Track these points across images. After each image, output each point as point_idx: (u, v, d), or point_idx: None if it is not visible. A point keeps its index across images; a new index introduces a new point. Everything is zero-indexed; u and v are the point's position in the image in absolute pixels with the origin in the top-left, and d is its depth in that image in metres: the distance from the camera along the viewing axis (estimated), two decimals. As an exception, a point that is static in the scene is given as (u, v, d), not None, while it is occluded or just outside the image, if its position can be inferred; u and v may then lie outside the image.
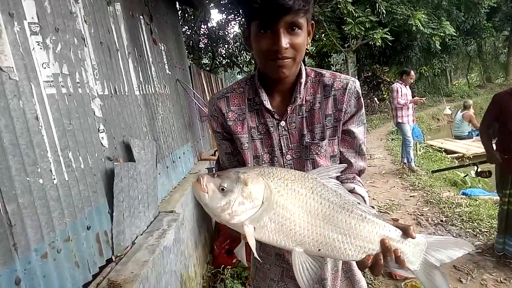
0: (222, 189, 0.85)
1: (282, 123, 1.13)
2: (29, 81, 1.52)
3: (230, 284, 2.85)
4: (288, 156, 1.15)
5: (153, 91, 3.30)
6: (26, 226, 1.38)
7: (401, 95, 6.28)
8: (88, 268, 1.72)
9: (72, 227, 1.65)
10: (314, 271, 0.88)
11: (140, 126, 2.77)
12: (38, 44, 1.63)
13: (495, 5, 18.43)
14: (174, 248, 2.43)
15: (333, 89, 1.14)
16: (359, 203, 0.93)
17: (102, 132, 2.10)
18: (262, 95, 1.13)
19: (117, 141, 2.28)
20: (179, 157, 3.80)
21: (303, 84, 1.14)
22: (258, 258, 0.86)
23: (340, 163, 1.21)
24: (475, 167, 3.47)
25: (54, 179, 1.58)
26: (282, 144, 1.14)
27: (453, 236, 3.81)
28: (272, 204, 0.86)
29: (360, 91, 1.17)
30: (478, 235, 3.83)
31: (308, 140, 1.13)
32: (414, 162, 6.71)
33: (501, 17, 22.38)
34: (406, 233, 0.90)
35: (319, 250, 0.88)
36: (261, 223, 0.86)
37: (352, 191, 1.14)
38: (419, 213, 4.65)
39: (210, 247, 3.73)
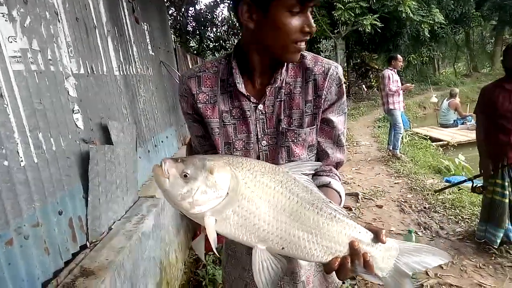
0: (185, 176, 0.77)
1: (260, 106, 1.04)
2: (-8, 56, 1.41)
3: (211, 270, 2.81)
4: (263, 141, 1.07)
5: (135, 72, 3.18)
6: (-12, 211, 1.29)
7: (393, 81, 6.25)
8: (60, 254, 1.65)
9: (42, 212, 1.57)
10: (275, 271, 0.81)
11: (120, 108, 2.67)
12: (3, 16, 1.51)
13: (484, -6, 18.48)
14: (154, 234, 2.37)
15: (313, 73, 1.05)
16: (330, 202, 0.87)
17: (76, 113, 2.00)
18: (236, 77, 1.03)
19: (94, 123, 2.18)
20: (162, 141, 3.71)
21: (285, 65, 1.05)
22: (216, 253, 0.79)
23: (317, 153, 1.14)
24: (471, 182, 3.42)
25: (22, 161, 1.49)
26: (258, 129, 1.06)
27: (435, 224, 3.84)
28: (238, 196, 0.79)
29: (342, 77, 1.09)
30: (459, 221, 3.87)
31: (284, 126, 1.05)
32: (400, 149, 6.74)
33: (489, 6, 22.45)
34: (377, 237, 0.84)
35: (282, 248, 0.82)
36: (223, 215, 0.79)
37: (327, 185, 1.08)
38: (402, 200, 4.68)
39: (192, 233, 3.68)
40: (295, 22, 0.92)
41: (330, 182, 1.08)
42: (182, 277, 2.93)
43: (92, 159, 1.97)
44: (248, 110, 1.05)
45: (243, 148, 1.07)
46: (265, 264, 0.81)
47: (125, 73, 2.93)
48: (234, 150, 1.07)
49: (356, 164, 6.56)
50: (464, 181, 3.72)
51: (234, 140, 1.07)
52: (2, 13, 1.51)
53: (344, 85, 1.10)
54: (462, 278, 2.87)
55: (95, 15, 2.50)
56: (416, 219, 4.05)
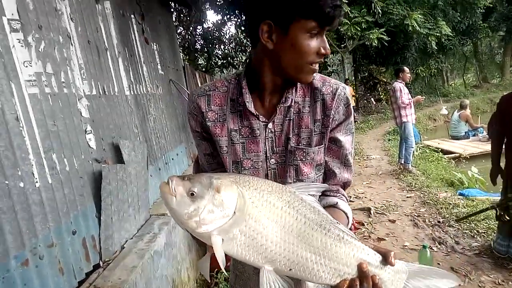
0: (192, 194, 0.77)
1: (270, 125, 1.05)
2: (8, 80, 1.45)
3: (224, 288, 2.78)
4: (272, 160, 1.07)
5: (145, 91, 3.24)
6: (4, 232, 1.31)
7: (404, 94, 6.22)
8: (74, 274, 1.66)
9: (56, 232, 1.58)
10: None
11: (131, 127, 2.71)
12: (19, 42, 1.57)
13: (491, 5, 18.47)
14: (166, 252, 2.36)
15: (322, 93, 1.07)
16: (338, 223, 0.87)
17: (89, 133, 2.04)
18: (246, 96, 1.04)
19: (106, 143, 2.22)
20: (172, 159, 3.74)
21: (296, 84, 1.07)
22: (225, 272, 0.78)
23: (324, 173, 1.14)
24: (495, 210, 3.29)
25: (37, 182, 1.52)
26: (267, 148, 1.07)
27: (450, 238, 3.77)
28: (245, 216, 0.78)
29: (350, 98, 1.11)
30: (475, 236, 3.78)
31: (293, 145, 1.06)
32: (411, 163, 6.67)
33: (496, 18, 22.43)
34: (386, 259, 0.84)
35: (290, 269, 0.81)
36: (230, 235, 0.79)
37: (335, 206, 1.07)
38: (416, 214, 4.60)
39: (204, 250, 3.65)
40: (313, 44, 0.94)
41: (337, 202, 1.07)
42: (194, 296, 2.91)
43: (105, 179, 2.00)
44: (258, 129, 1.05)
45: (251, 167, 1.07)
46: (273, 286, 0.80)
47: (136, 93, 2.99)
48: (242, 169, 1.07)
49: (367, 178, 6.50)
50: (488, 209, 3.51)
51: (242, 159, 1.07)
52: (18, 39, 1.57)
53: (351, 106, 1.11)
54: (480, 294, 2.79)
55: (106, 37, 2.57)
56: (431, 233, 3.97)
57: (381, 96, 17.65)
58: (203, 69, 14.08)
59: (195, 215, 0.77)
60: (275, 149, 1.07)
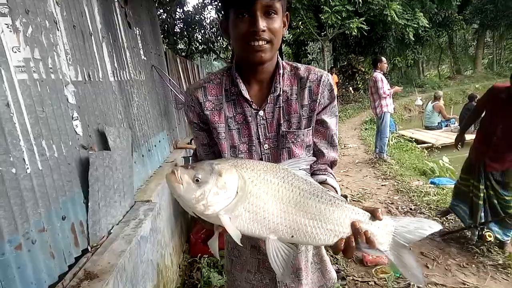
0: (197, 180, 0.85)
1: (261, 112, 1.16)
2: (-1, 66, 1.45)
3: (206, 273, 2.87)
4: (265, 145, 1.17)
5: (128, 78, 3.22)
6: (-2, 217, 1.33)
7: (385, 84, 6.27)
8: (64, 258, 1.69)
9: (47, 217, 1.61)
10: (288, 256, 0.90)
11: (115, 113, 2.71)
12: (8, 27, 1.55)
13: (466, -2, 18.97)
14: (151, 237, 2.42)
15: (308, 81, 1.18)
16: (328, 190, 0.97)
17: (76, 119, 2.04)
18: (240, 85, 1.15)
19: (92, 129, 2.22)
20: (155, 145, 3.75)
21: (281, 74, 1.17)
22: (240, 244, 0.87)
23: (313, 153, 1.25)
24: (476, 231, 3.36)
25: (28, 168, 1.53)
26: (260, 134, 1.16)
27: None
28: (246, 194, 0.87)
29: (333, 84, 1.22)
30: (444, 222, 4.01)
31: (284, 129, 1.16)
32: (386, 152, 6.88)
33: (471, 10, 23.07)
34: (374, 215, 0.94)
35: (292, 236, 0.91)
36: (235, 213, 0.87)
37: (324, 182, 1.17)
38: (389, 202, 4.81)
39: (186, 236, 3.73)
40: (242, 25, 1.03)
41: (326, 179, 1.18)
42: (177, 280, 2.98)
43: (92, 165, 2.02)
44: (250, 116, 1.16)
45: (247, 151, 1.18)
46: (279, 252, 0.89)
47: (120, 79, 2.97)
48: (239, 152, 1.17)
49: (344, 167, 6.69)
50: (469, 227, 3.44)
51: (238, 144, 1.17)
52: (6, 24, 1.55)
53: (334, 91, 1.23)
54: (446, 277, 2.99)
55: (90, 22, 2.54)
56: (403, 219, 4.17)
57: (359, 86, 17.94)
58: (183, 54, 13.87)
59: (202, 199, 0.84)
60: (267, 134, 1.17)
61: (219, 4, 14.11)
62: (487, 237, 3.23)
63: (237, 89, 1.15)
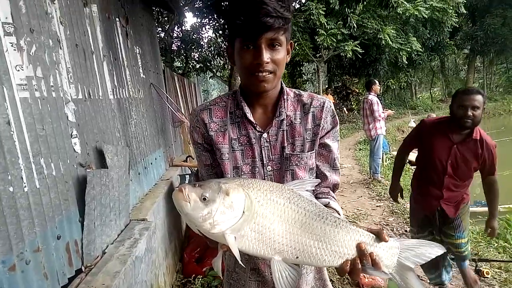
0: (204, 199, 0.85)
1: (265, 135, 1.18)
2: (1, 84, 1.45)
3: (200, 294, 2.82)
4: (268, 167, 1.19)
5: (127, 95, 3.23)
6: (-7, 237, 1.31)
7: (380, 107, 6.38)
8: (57, 279, 1.66)
9: (42, 237, 1.58)
10: (293, 278, 0.89)
11: (113, 131, 2.71)
12: (12, 46, 1.57)
13: (457, 25, 19.48)
14: (146, 257, 2.38)
15: (312, 106, 1.22)
16: (332, 212, 0.98)
17: (75, 137, 2.04)
18: (245, 108, 1.18)
19: (90, 147, 2.22)
20: (151, 163, 3.73)
21: (285, 100, 1.21)
22: (243, 265, 0.86)
23: (316, 177, 1.27)
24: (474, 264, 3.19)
25: (25, 186, 1.52)
26: (264, 155, 1.18)
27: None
28: (253, 214, 0.87)
29: (334, 110, 1.26)
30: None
31: (288, 152, 1.19)
32: (380, 173, 6.91)
33: (462, 36, 23.71)
34: (379, 237, 0.94)
35: (297, 257, 0.90)
36: (241, 233, 0.87)
37: (327, 205, 1.19)
38: (384, 223, 4.80)
39: (180, 255, 3.67)
40: (247, 56, 1.06)
41: (329, 202, 1.21)
42: (170, 301, 2.92)
43: (89, 183, 2.00)
44: (254, 138, 1.18)
45: (250, 172, 1.19)
46: (284, 274, 0.88)
47: (119, 97, 2.98)
48: (242, 173, 1.19)
49: (339, 187, 6.68)
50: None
51: (242, 165, 1.19)
52: (11, 43, 1.57)
53: (336, 116, 1.27)
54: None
55: (92, 40, 2.56)
56: (398, 242, 4.15)
57: (353, 106, 18.15)
58: (180, 72, 13.98)
59: (209, 218, 0.84)
60: (271, 157, 1.19)
61: (218, 25, 14.35)
62: (485, 273, 3.19)
63: (241, 112, 1.18)
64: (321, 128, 1.21)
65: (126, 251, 2.14)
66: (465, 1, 15.34)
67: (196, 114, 1.22)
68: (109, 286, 1.74)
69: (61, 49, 2.04)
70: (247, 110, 1.18)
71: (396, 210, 5.19)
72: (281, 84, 1.22)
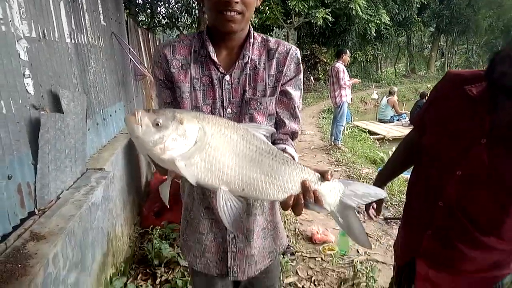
0: (157, 124, 0.85)
1: (227, 77, 1.18)
2: None
3: (158, 244, 2.86)
4: (228, 109, 1.20)
5: (86, 42, 3.07)
6: None
7: (346, 75, 6.50)
8: (8, 219, 1.62)
9: (-10, 175, 1.53)
10: (237, 208, 0.92)
11: (70, 77, 2.59)
12: (-45, -33, 1.43)
13: (425, 2, 19.81)
14: (103, 205, 2.37)
15: (277, 52, 1.22)
16: (283, 150, 1.02)
17: (27, 77, 1.93)
18: (210, 47, 1.17)
19: (44, 90, 2.12)
20: (111, 115, 3.63)
21: (251, 43, 1.20)
22: (194, 184, 0.88)
23: (275, 123, 1.29)
24: None
25: (-29, 121, 1.44)
26: (224, 97, 1.19)
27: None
28: (205, 145, 0.88)
29: (300, 58, 1.27)
30: (389, 207, 4.27)
31: (249, 96, 1.19)
32: (341, 140, 7.15)
33: (429, 14, 24.20)
34: (323, 176, 0.99)
35: (243, 189, 0.93)
36: (191, 161, 0.88)
37: (283, 151, 1.21)
38: (340, 186, 5.02)
39: (138, 209, 3.68)
40: None
41: (285, 148, 1.22)
42: (127, 251, 2.95)
43: (43, 126, 1.93)
44: (216, 79, 1.18)
45: (209, 113, 1.19)
46: (228, 203, 0.91)
47: (77, 42, 2.83)
48: None
49: (300, 152, 6.86)
50: None
51: (202, 105, 1.19)
52: (-47, -36, 1.43)
53: (301, 65, 1.28)
54: (387, 256, 3.21)
55: (48, -24, 2.38)
56: (351, 203, 4.38)
57: (320, 76, 18.30)
58: (145, 27, 13.34)
59: (160, 143, 0.84)
60: (232, 99, 1.19)
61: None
62: None
63: (206, 51, 1.17)
64: (283, 74, 1.22)
65: (82, 197, 2.12)
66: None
67: (159, 49, 1.19)
68: (63, 228, 1.73)
69: (11, -20, 1.88)
70: (211, 50, 1.16)
71: (353, 175, 5.44)
72: (250, 28, 1.21)
